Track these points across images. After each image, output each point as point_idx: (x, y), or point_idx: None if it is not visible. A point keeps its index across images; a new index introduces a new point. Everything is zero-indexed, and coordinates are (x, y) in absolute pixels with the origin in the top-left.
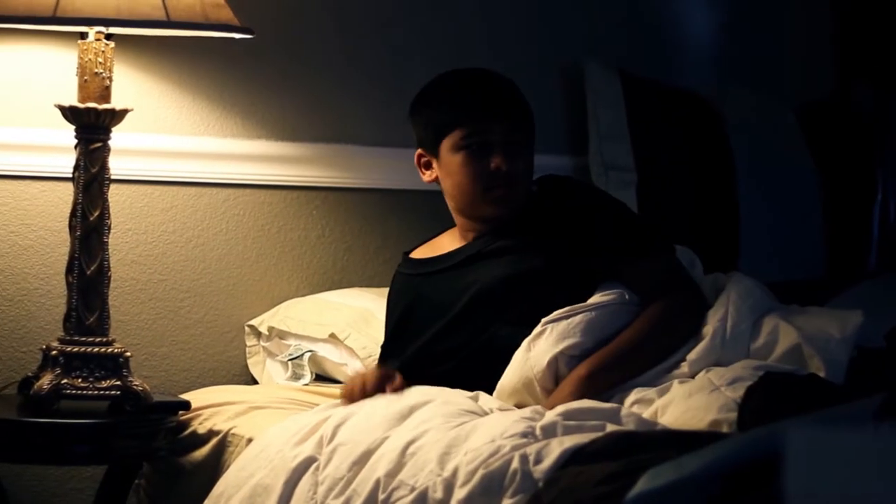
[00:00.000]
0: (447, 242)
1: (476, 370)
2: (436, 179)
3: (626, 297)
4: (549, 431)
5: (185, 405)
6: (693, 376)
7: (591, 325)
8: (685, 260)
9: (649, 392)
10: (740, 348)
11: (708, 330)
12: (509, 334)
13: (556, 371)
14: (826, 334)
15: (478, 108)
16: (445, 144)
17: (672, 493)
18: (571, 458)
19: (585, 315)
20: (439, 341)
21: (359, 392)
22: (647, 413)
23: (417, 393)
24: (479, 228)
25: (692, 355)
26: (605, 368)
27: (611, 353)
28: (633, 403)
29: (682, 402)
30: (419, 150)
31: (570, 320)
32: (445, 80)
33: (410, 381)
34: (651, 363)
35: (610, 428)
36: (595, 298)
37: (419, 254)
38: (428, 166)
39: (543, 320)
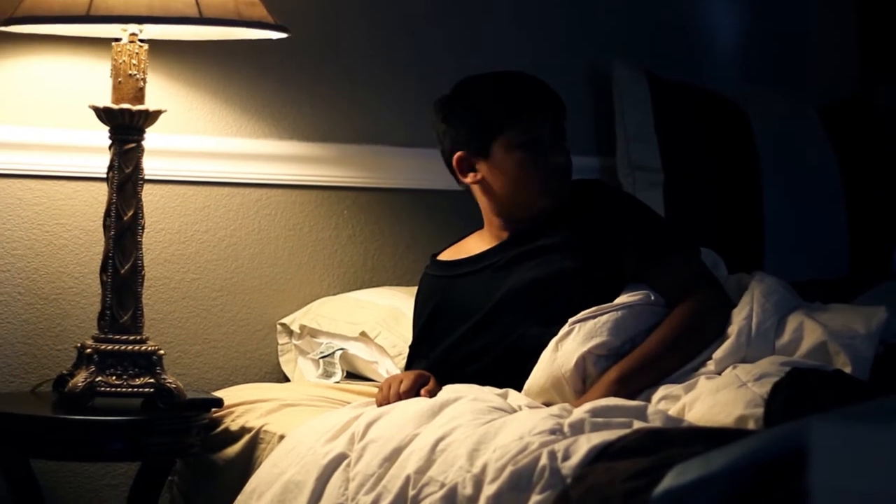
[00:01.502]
0: (475, 244)
1: (504, 371)
2: (480, 181)
3: (652, 297)
4: (577, 428)
5: (218, 402)
6: (719, 373)
7: (617, 324)
8: (708, 261)
9: (676, 388)
10: (766, 346)
11: (733, 328)
12: (537, 335)
13: (583, 370)
14: (851, 330)
15: (530, 106)
16: (499, 144)
17: (699, 489)
18: (599, 455)
19: (612, 314)
20: (466, 343)
21: (393, 395)
22: (673, 409)
23: (447, 390)
24: (514, 228)
25: (718, 353)
26: (635, 372)
27: (640, 356)
28: (659, 400)
29: (709, 397)
30: (460, 154)
31: (596, 320)
32: (484, 83)
33: (441, 382)
34: (679, 364)
35: (637, 425)
36: (621, 299)
37: (447, 256)
38: (470, 168)
39: (571, 320)
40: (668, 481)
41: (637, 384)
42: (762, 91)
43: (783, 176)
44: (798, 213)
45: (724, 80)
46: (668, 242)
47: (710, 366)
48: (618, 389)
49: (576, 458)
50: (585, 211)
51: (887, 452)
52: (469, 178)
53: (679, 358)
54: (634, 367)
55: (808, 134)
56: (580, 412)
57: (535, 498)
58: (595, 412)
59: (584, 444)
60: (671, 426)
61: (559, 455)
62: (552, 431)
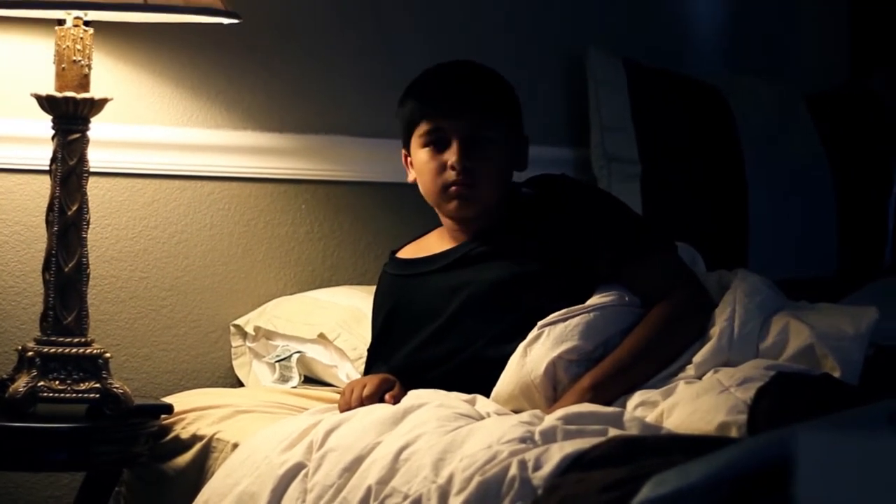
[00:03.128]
0: (435, 243)
1: (468, 378)
2: (415, 180)
3: (626, 298)
4: (549, 436)
5: (168, 409)
6: (700, 378)
7: (589, 327)
8: (686, 257)
9: (653, 394)
10: (749, 348)
11: (714, 330)
12: (502, 342)
13: (553, 376)
14: (840, 332)
15: (438, 102)
16: (413, 140)
17: (678, 501)
18: (572, 465)
19: (583, 317)
20: (427, 348)
21: (356, 400)
22: (651, 416)
23: (412, 396)
24: (464, 229)
25: (698, 357)
26: (610, 378)
27: (614, 362)
28: (636, 406)
29: (690, 403)
30: (403, 149)
31: (567, 323)
32: (422, 75)
33: (403, 387)
34: (657, 370)
35: (612, 433)
36: (593, 300)
37: (406, 253)
38: (410, 165)
39: (539, 323)
40: (645, 493)
41: (612, 391)
42: (747, 79)
43: (768, 168)
44: (784, 207)
45: (707, 68)
46: (642, 239)
47: (690, 370)
48: (592, 397)
49: (547, 468)
50: (551, 208)
51: (876, 463)
52: (409, 177)
53: (656, 363)
54: (609, 373)
55: (794, 124)
56: (552, 419)
57: None
58: (568, 419)
59: (557, 454)
60: (648, 434)
61: (530, 465)
62: (522, 440)
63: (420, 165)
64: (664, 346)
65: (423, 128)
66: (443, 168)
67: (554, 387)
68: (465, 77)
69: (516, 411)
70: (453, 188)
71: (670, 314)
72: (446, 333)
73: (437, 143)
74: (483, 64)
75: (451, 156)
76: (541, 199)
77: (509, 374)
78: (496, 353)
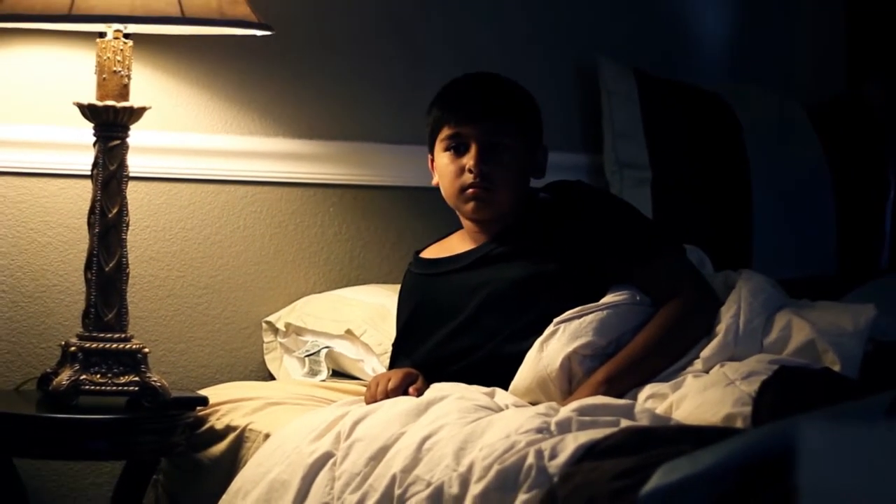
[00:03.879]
0: (457, 243)
1: (487, 373)
2: (438, 183)
3: (637, 297)
4: (564, 427)
5: (203, 401)
6: (707, 371)
7: (602, 324)
8: (694, 259)
9: (663, 387)
10: (753, 344)
11: (721, 327)
12: (519, 340)
13: (569, 370)
14: (839, 328)
15: (458, 108)
16: (437, 145)
17: (686, 488)
18: (586, 454)
19: (597, 314)
20: (448, 344)
21: (381, 393)
22: (661, 408)
23: (434, 389)
24: (483, 231)
25: (706, 352)
26: (623, 372)
27: (627, 356)
28: (646, 399)
29: (697, 395)
30: (429, 154)
31: (581, 319)
32: (448, 84)
33: (426, 381)
34: (667, 364)
35: (624, 423)
36: (606, 299)
37: (430, 253)
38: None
39: (556, 320)
40: (656, 480)
41: (625, 384)
42: (751, 88)
43: (772, 173)
44: (787, 210)
45: (713, 77)
46: (652, 242)
47: (698, 364)
48: (606, 390)
49: (563, 457)
50: (566, 212)
51: (876, 452)
52: (433, 180)
53: (666, 358)
54: (622, 367)
55: (796, 131)
56: (567, 411)
57: (521, 497)
58: (582, 411)
59: (571, 443)
60: (658, 425)
61: (546, 454)
62: (539, 430)
63: (441, 168)
64: (674, 342)
65: (444, 133)
66: (461, 171)
67: (569, 380)
68: (486, 86)
69: (533, 403)
70: (470, 190)
71: (679, 312)
72: (466, 330)
73: (457, 148)
74: (506, 77)
75: (469, 160)
76: (557, 204)
77: (527, 368)
78: (514, 349)
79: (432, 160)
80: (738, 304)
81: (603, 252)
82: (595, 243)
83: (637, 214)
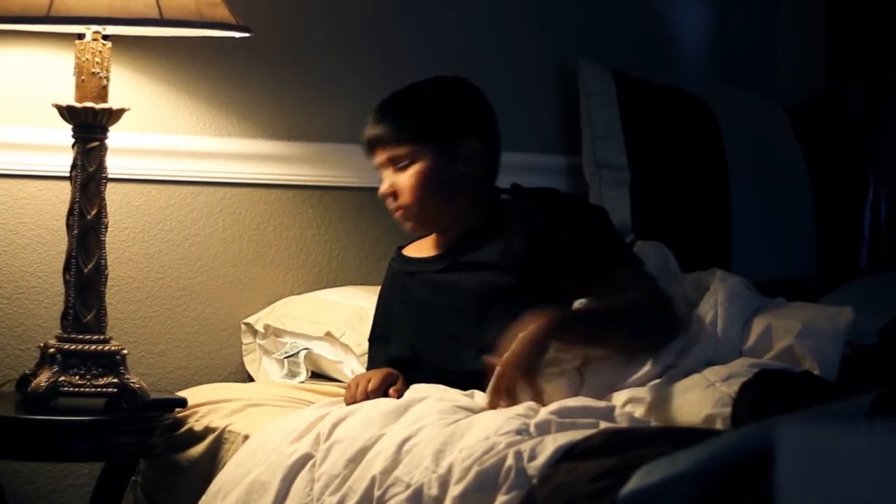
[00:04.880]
0: (427, 246)
1: (455, 384)
2: None
3: None
4: (543, 429)
5: (182, 402)
6: (685, 376)
7: None
8: (660, 256)
9: (640, 391)
10: (732, 350)
11: (698, 334)
12: (476, 362)
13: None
14: (817, 333)
15: (363, 141)
16: None
17: (666, 490)
18: (565, 455)
19: None
20: (418, 349)
21: (360, 394)
22: (640, 411)
23: (413, 390)
24: (441, 238)
25: (685, 359)
26: (576, 320)
27: (589, 309)
28: (625, 403)
29: (678, 397)
30: None
31: None
32: None
33: (405, 375)
34: (617, 338)
35: (604, 426)
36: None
37: (409, 250)
38: None
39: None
40: (635, 482)
41: (573, 331)
42: (730, 90)
43: (751, 175)
44: (765, 212)
45: (693, 79)
46: (610, 257)
47: (676, 372)
48: (557, 326)
49: (542, 459)
50: (525, 223)
51: (854, 454)
52: None
53: (620, 332)
54: (577, 316)
55: (776, 133)
56: (546, 412)
57: (501, 498)
58: (561, 413)
59: (550, 445)
60: (638, 426)
61: (525, 455)
62: (518, 432)
63: None
64: (634, 321)
65: None
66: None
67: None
68: (377, 114)
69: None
70: (396, 215)
71: (647, 303)
72: (433, 337)
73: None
74: (415, 85)
75: (381, 188)
76: (519, 209)
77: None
78: (475, 365)
79: None
80: (714, 309)
81: (558, 268)
82: (552, 257)
83: (597, 224)
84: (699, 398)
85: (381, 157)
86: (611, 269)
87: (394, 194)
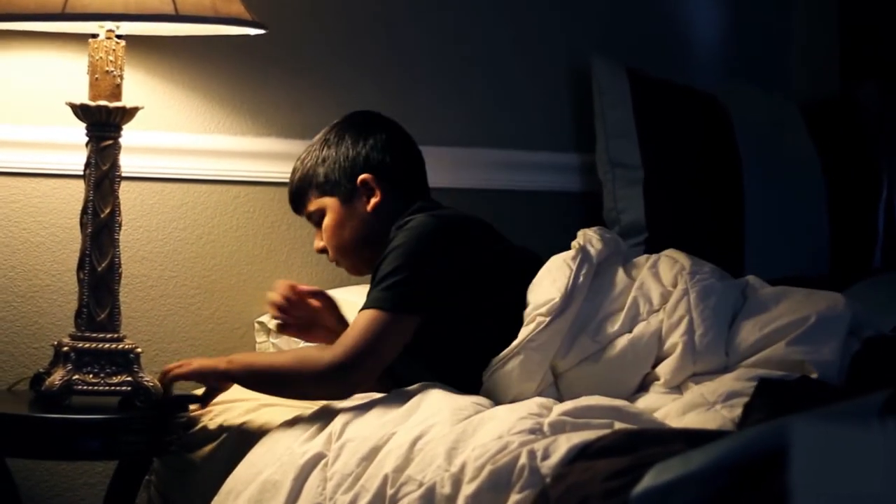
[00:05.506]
0: None
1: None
2: None
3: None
4: (557, 428)
5: (196, 398)
6: (678, 387)
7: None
8: (608, 241)
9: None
10: (714, 357)
11: (674, 342)
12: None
13: None
14: (809, 333)
15: None
16: None
17: (679, 489)
18: (579, 454)
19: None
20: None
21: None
22: None
23: (423, 384)
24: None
25: (664, 371)
26: (239, 365)
27: (252, 360)
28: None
29: (676, 420)
30: None
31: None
32: None
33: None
34: (261, 390)
35: (618, 425)
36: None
37: None
38: None
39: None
40: (648, 481)
41: (231, 375)
42: (744, 88)
43: (764, 173)
44: (779, 210)
45: (706, 77)
46: (375, 294)
47: (658, 384)
48: (226, 366)
49: (555, 458)
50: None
51: (865, 453)
52: None
53: (266, 386)
54: (244, 362)
55: (789, 131)
56: (559, 412)
57: (513, 497)
58: (575, 413)
59: (564, 444)
60: (651, 427)
61: (539, 454)
62: (532, 431)
63: None
64: (283, 380)
65: None
66: None
67: None
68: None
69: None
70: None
71: (316, 362)
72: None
73: None
74: (311, 142)
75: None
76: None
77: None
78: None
79: None
80: (688, 314)
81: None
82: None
83: (404, 263)
84: (700, 422)
85: (301, 216)
86: (366, 306)
87: (323, 249)
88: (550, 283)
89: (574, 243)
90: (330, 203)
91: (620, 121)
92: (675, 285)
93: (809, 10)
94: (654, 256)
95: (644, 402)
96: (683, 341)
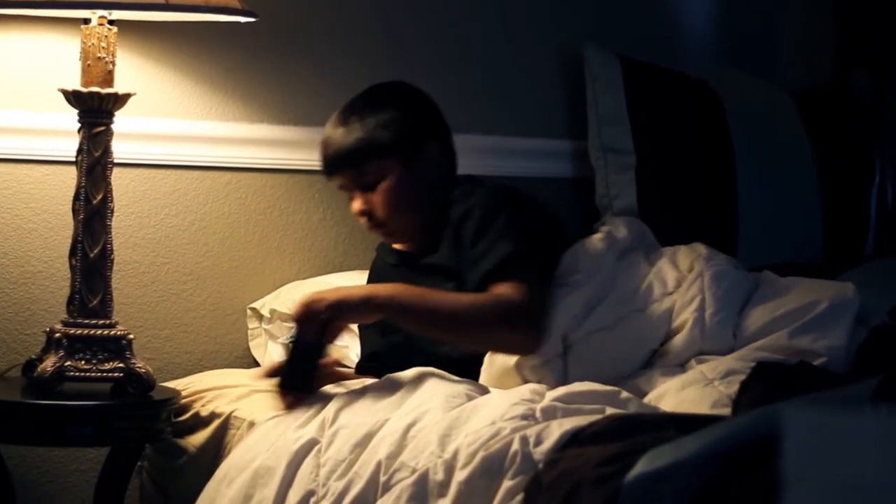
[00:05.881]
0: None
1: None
2: None
3: None
4: (549, 414)
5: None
6: (681, 366)
7: None
8: (635, 230)
9: (635, 384)
10: (722, 338)
11: (684, 320)
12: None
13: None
14: (818, 320)
15: (322, 168)
16: None
17: (671, 475)
18: (571, 440)
19: None
20: (397, 345)
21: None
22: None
23: (417, 370)
24: (410, 242)
25: (671, 348)
26: (400, 299)
27: (418, 294)
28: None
29: (675, 395)
30: None
31: None
32: None
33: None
34: (435, 333)
35: (610, 411)
36: None
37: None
38: None
39: None
40: (641, 466)
41: (389, 311)
42: (737, 74)
43: (757, 159)
44: (772, 196)
45: (699, 64)
46: (502, 266)
47: (664, 360)
48: (385, 300)
49: (548, 444)
50: (453, 228)
51: (858, 439)
52: None
53: (441, 327)
54: (411, 297)
55: (782, 118)
56: (551, 398)
57: (506, 483)
58: (567, 398)
59: (556, 430)
60: (644, 412)
61: (531, 440)
62: (524, 417)
63: None
64: (463, 322)
65: None
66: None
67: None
68: (328, 136)
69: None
70: (372, 230)
71: (497, 305)
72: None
73: (348, 194)
74: (363, 99)
75: (353, 206)
76: (454, 213)
77: (486, 376)
78: (451, 360)
79: None
80: (701, 294)
81: (464, 268)
82: (463, 258)
83: (507, 228)
84: (697, 397)
85: (344, 179)
86: (485, 282)
87: (367, 212)
88: (575, 260)
89: (603, 228)
90: (392, 166)
91: (613, 107)
92: (690, 270)
93: None
94: (676, 247)
95: (647, 378)
96: (694, 318)
